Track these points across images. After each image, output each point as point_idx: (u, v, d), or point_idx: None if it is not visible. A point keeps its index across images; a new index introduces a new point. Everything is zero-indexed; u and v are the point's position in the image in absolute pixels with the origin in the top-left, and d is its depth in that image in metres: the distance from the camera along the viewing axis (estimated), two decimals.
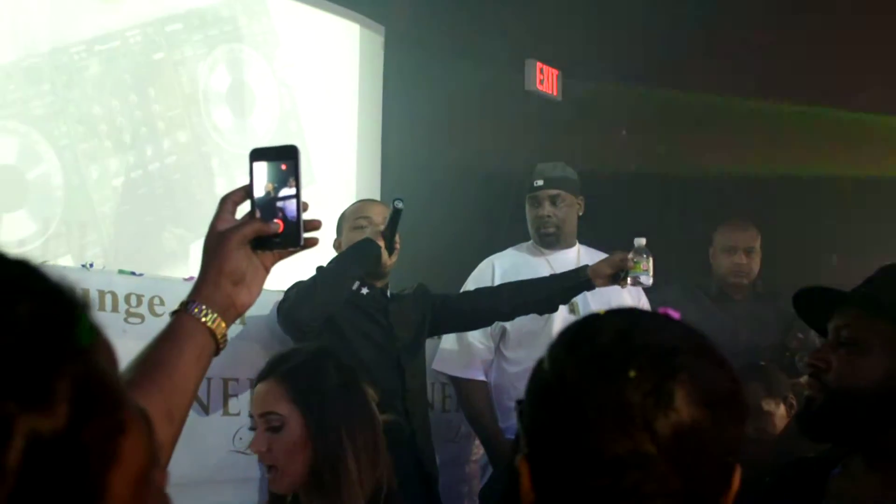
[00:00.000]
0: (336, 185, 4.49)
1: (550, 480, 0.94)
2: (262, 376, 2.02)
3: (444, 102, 4.80)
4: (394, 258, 2.99)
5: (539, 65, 5.15)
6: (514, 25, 5.05)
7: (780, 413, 2.85)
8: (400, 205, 2.88)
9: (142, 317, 2.69)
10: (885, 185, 4.73)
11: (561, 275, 3.17)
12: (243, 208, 1.24)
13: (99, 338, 0.64)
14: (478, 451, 3.58)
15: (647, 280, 3.05)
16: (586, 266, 3.13)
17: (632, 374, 0.89)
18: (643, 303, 3.57)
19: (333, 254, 3.09)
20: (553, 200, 3.45)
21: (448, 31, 4.87)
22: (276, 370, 2.01)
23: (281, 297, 2.87)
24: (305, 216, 1.22)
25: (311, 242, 1.23)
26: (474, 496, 3.52)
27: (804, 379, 2.85)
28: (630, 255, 3.04)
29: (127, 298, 2.69)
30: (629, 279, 3.04)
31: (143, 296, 2.70)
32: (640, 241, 3.08)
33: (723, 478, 0.93)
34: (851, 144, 4.75)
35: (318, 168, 4.46)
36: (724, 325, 3.71)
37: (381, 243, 2.92)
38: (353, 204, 3.29)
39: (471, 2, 4.97)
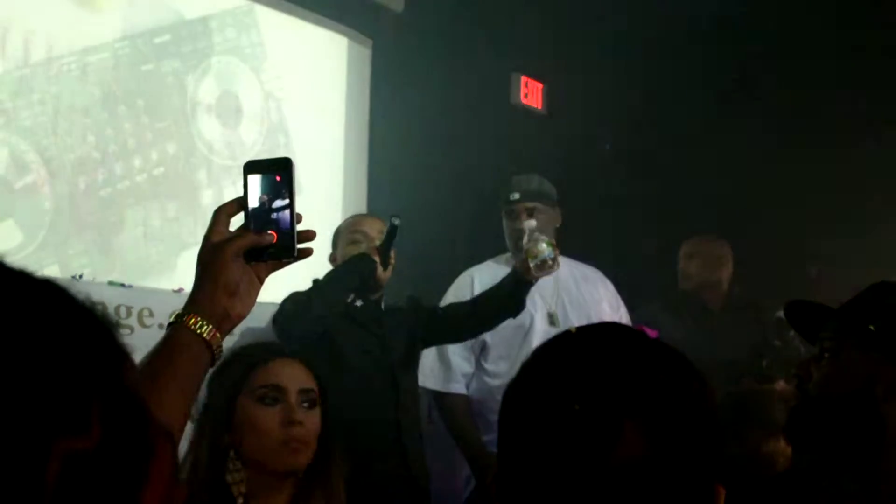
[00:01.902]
0: (323, 197, 4.51)
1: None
2: (275, 354, 1.99)
3: (431, 116, 4.82)
4: (388, 272, 3.03)
5: (524, 79, 5.18)
6: (501, 40, 5.08)
7: (781, 448, 2.49)
8: (397, 221, 2.92)
9: (131, 328, 2.70)
10: (867, 194, 4.75)
11: (505, 278, 3.14)
12: (237, 220, 1.26)
13: (127, 358, 0.64)
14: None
15: (549, 263, 2.93)
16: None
17: (576, 406, 0.90)
18: (622, 312, 3.61)
19: (326, 265, 3.12)
20: (530, 213, 3.45)
21: (434, 44, 4.90)
22: (283, 350, 2.02)
23: (276, 307, 2.89)
24: (299, 227, 1.24)
25: (305, 253, 1.25)
26: None
27: (779, 385, 2.88)
28: (524, 245, 2.98)
29: (116, 310, 2.71)
30: (533, 268, 2.94)
31: (132, 307, 2.72)
32: (530, 223, 3.01)
33: None
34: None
35: (304, 180, 4.48)
36: (703, 337, 3.75)
37: (377, 258, 2.96)
38: (348, 218, 3.33)
39: (457, 16, 5.00)
